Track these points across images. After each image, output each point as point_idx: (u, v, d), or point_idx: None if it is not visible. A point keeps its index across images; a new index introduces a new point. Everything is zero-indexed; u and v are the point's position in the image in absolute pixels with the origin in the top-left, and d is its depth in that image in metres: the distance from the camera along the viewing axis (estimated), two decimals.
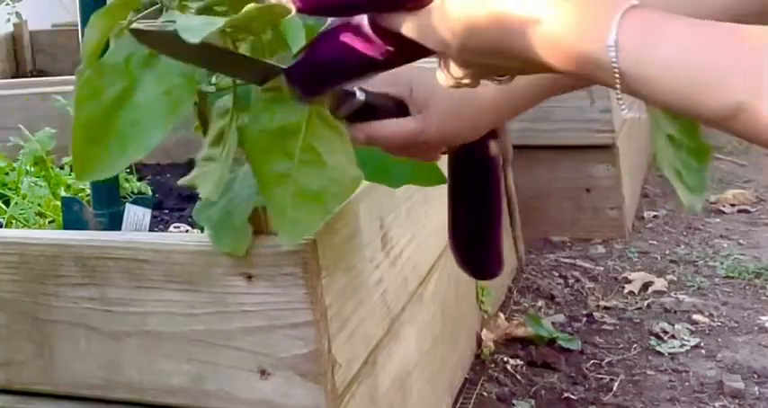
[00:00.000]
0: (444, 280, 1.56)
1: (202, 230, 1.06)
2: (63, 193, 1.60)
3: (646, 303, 2.01)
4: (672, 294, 2.04)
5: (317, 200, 0.88)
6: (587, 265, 2.21)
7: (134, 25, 0.87)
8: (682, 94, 0.55)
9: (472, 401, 1.63)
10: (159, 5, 0.90)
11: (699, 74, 0.54)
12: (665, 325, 1.88)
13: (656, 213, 2.54)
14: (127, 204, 1.22)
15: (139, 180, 1.82)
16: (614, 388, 1.67)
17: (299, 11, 0.74)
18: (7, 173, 1.71)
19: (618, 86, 0.58)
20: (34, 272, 1.10)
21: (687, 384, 1.67)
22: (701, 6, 0.75)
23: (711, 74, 0.54)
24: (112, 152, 0.85)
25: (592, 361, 1.77)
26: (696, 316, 1.92)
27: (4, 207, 1.58)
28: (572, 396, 1.65)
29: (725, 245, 2.30)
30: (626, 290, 2.07)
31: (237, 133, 0.88)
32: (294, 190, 0.87)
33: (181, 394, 1.07)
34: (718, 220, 2.47)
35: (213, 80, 0.98)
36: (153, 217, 1.27)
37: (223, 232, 1.01)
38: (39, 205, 1.57)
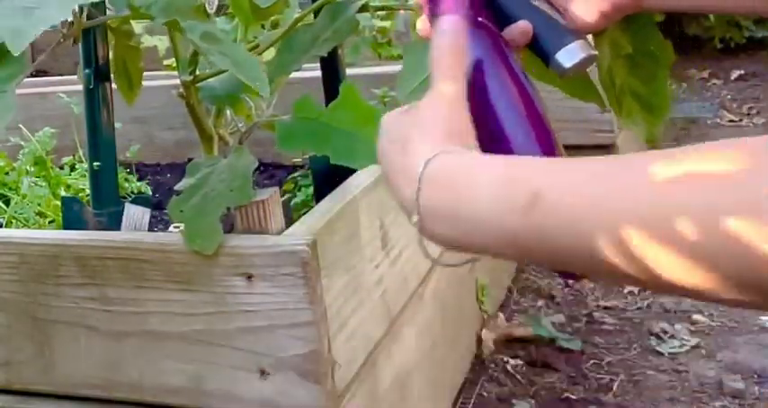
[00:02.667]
0: (444, 280, 1.56)
1: None
2: (63, 193, 1.60)
3: (646, 303, 2.00)
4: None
5: None
6: None
7: None
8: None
9: (472, 401, 1.63)
10: None
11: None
12: (665, 325, 1.88)
13: None
14: (126, 204, 1.22)
15: (139, 180, 1.82)
16: (614, 388, 1.67)
17: None
18: (7, 173, 1.71)
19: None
20: (34, 272, 1.10)
21: (687, 384, 1.67)
22: None
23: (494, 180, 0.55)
24: None
25: (592, 361, 1.77)
26: (696, 316, 1.92)
27: (4, 207, 1.58)
28: (572, 396, 1.65)
29: None
30: (626, 290, 2.07)
31: None
32: None
33: (181, 394, 1.07)
34: None
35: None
36: (153, 217, 1.27)
37: (194, 230, 1.01)
38: (39, 205, 1.56)
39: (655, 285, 0.48)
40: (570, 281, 2.01)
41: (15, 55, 0.74)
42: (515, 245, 0.54)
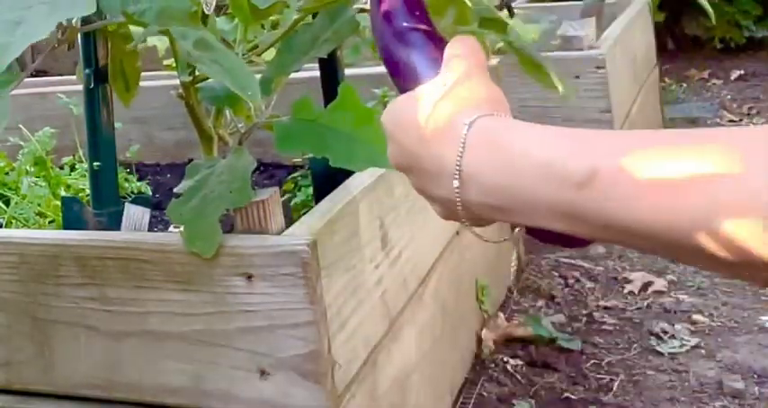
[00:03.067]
0: (444, 280, 1.56)
1: None
2: (63, 193, 1.60)
3: (646, 303, 2.00)
4: (672, 294, 2.04)
5: None
6: (587, 265, 2.21)
7: None
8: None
9: (472, 401, 1.63)
10: None
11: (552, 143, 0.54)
12: (665, 325, 1.88)
13: None
14: (126, 204, 1.22)
15: (139, 180, 1.82)
16: (614, 388, 1.67)
17: None
18: (7, 173, 1.71)
19: None
20: (34, 272, 1.10)
21: (687, 384, 1.67)
22: None
23: (564, 142, 0.54)
24: None
25: (592, 361, 1.77)
26: (696, 316, 1.92)
27: (4, 207, 1.58)
28: (572, 396, 1.65)
29: None
30: (626, 290, 2.07)
31: None
32: None
33: (181, 394, 1.07)
34: None
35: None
36: (153, 217, 1.27)
37: (194, 232, 1.01)
38: (39, 205, 1.57)
39: (723, 263, 0.48)
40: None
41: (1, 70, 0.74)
42: (565, 219, 0.53)
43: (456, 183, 0.57)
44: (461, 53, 0.64)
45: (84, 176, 1.55)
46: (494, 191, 0.56)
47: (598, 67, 2.28)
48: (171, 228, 1.53)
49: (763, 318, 1.91)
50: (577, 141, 0.54)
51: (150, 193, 1.77)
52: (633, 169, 0.49)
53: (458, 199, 0.58)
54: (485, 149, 0.56)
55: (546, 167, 0.53)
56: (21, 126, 1.83)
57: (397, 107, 0.64)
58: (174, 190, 1.05)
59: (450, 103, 0.60)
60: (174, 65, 1.14)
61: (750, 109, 3.59)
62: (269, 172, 1.93)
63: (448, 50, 0.65)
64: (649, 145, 0.51)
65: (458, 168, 0.57)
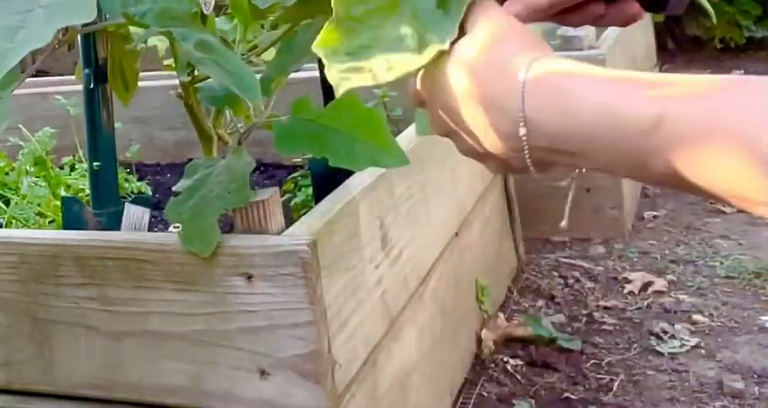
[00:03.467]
0: (444, 280, 1.56)
1: None
2: (63, 193, 1.60)
3: (646, 303, 2.00)
4: (672, 294, 2.04)
5: None
6: (587, 265, 2.21)
7: None
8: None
9: (472, 401, 1.63)
10: None
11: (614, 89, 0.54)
12: (665, 325, 1.88)
13: (656, 213, 2.54)
14: (126, 204, 1.22)
15: (139, 180, 1.82)
16: (614, 388, 1.67)
17: None
18: (7, 173, 1.71)
19: None
20: (34, 272, 1.10)
21: (687, 384, 1.67)
22: None
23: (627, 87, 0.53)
24: None
25: (592, 361, 1.77)
26: (696, 316, 1.92)
27: (4, 207, 1.58)
28: (572, 396, 1.65)
29: (725, 245, 2.30)
30: (626, 290, 2.07)
31: None
32: None
33: (181, 394, 1.07)
34: (718, 220, 2.47)
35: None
36: (152, 217, 1.27)
37: (192, 231, 1.01)
38: (38, 205, 1.57)
39: None
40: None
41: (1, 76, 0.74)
42: (632, 164, 0.52)
43: (522, 130, 0.56)
44: (483, 11, 0.62)
45: (84, 176, 1.55)
46: (558, 137, 0.55)
47: None
48: (171, 228, 1.53)
49: (763, 318, 1.91)
50: (638, 86, 0.53)
51: (150, 193, 1.77)
52: (700, 115, 0.49)
53: (525, 147, 0.57)
54: (546, 94, 0.55)
55: (609, 114, 0.52)
56: (21, 126, 1.83)
57: (433, 70, 0.62)
58: (173, 188, 1.05)
59: (494, 51, 0.58)
60: (174, 65, 1.14)
61: None
62: (269, 172, 1.93)
63: (467, 15, 0.63)
64: (713, 92, 0.50)
65: (521, 116, 0.55)
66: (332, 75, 0.63)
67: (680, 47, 4.39)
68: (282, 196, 1.38)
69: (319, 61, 1.48)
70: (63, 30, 1.02)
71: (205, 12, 1.06)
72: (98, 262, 1.07)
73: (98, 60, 1.20)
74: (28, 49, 0.75)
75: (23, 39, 0.76)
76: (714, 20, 1.10)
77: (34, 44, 0.76)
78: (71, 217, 1.24)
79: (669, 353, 1.79)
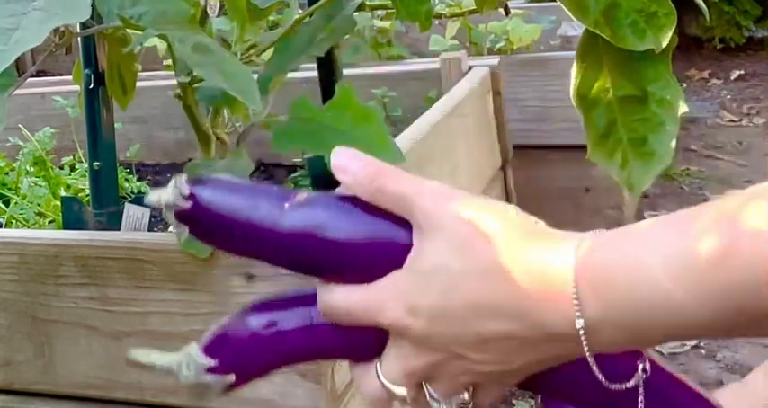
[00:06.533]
0: None
1: None
2: (63, 193, 1.60)
3: None
4: None
5: None
6: None
7: None
8: None
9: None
10: None
11: None
12: None
13: (656, 213, 2.54)
14: (126, 203, 1.22)
15: (139, 180, 1.82)
16: None
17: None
18: (7, 173, 1.71)
19: None
20: (34, 272, 1.10)
21: None
22: None
23: None
24: None
25: None
26: None
27: (3, 207, 1.58)
28: None
29: None
30: None
31: None
32: None
33: (181, 394, 1.07)
34: None
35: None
36: (153, 217, 1.27)
37: None
38: (38, 205, 1.57)
39: None
40: None
41: None
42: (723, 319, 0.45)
43: (585, 344, 0.47)
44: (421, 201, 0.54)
45: (85, 176, 1.55)
46: (623, 328, 0.47)
47: None
48: (171, 228, 1.53)
49: None
50: (691, 234, 0.46)
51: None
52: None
53: (588, 353, 0.48)
54: (596, 294, 0.47)
55: (682, 281, 0.45)
56: (21, 126, 1.83)
57: (409, 289, 0.51)
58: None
59: (508, 259, 0.49)
60: (173, 66, 1.14)
61: (750, 109, 3.59)
62: (269, 171, 1.93)
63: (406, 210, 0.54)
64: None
65: (581, 326, 0.47)
66: None
67: (680, 47, 4.39)
68: None
69: (318, 60, 1.48)
70: (60, 32, 1.02)
71: (210, 15, 1.06)
72: (98, 262, 1.07)
73: (98, 60, 1.21)
74: (22, 50, 0.75)
75: (18, 39, 0.76)
76: (707, 17, 1.09)
77: (29, 44, 0.76)
78: (71, 217, 1.24)
79: (669, 353, 1.79)
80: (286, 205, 0.57)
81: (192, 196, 0.57)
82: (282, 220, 0.56)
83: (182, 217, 0.58)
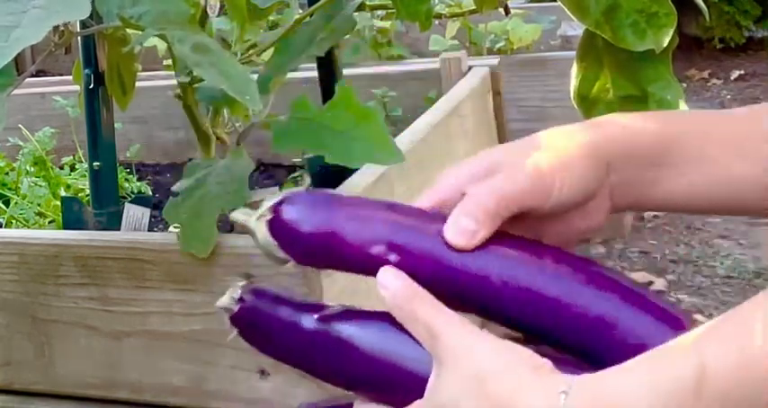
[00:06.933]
0: None
1: None
2: (63, 193, 1.60)
3: None
4: (672, 294, 2.04)
5: None
6: None
7: None
8: None
9: None
10: None
11: None
12: None
13: (656, 213, 2.54)
14: (126, 203, 1.22)
15: (139, 180, 1.82)
16: None
17: None
18: (7, 173, 1.71)
19: None
20: (34, 272, 1.10)
21: None
22: None
23: None
24: None
25: None
26: (696, 316, 1.92)
27: (3, 207, 1.58)
28: None
29: (725, 245, 2.30)
30: None
31: None
32: None
33: (181, 394, 1.07)
34: (718, 220, 2.47)
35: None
36: (152, 217, 1.27)
37: (190, 232, 1.01)
38: (38, 205, 1.57)
39: None
40: None
41: None
42: None
43: None
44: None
45: (85, 176, 1.55)
46: None
47: None
48: (171, 228, 1.53)
49: None
50: (663, 363, 0.52)
51: (150, 193, 1.77)
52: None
53: None
54: None
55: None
56: (21, 126, 1.83)
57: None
58: (172, 188, 1.05)
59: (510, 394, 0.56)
60: (173, 66, 1.14)
61: None
62: (269, 171, 1.93)
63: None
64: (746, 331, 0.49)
65: None
66: None
67: (680, 47, 4.39)
68: None
69: (318, 60, 1.48)
70: (60, 32, 1.02)
71: (211, 15, 1.06)
72: (98, 262, 1.07)
73: (98, 60, 1.21)
74: (21, 47, 0.75)
75: (18, 37, 0.76)
76: (707, 17, 1.09)
77: (28, 42, 0.76)
78: (71, 217, 1.24)
79: None
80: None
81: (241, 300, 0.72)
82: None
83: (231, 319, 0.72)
